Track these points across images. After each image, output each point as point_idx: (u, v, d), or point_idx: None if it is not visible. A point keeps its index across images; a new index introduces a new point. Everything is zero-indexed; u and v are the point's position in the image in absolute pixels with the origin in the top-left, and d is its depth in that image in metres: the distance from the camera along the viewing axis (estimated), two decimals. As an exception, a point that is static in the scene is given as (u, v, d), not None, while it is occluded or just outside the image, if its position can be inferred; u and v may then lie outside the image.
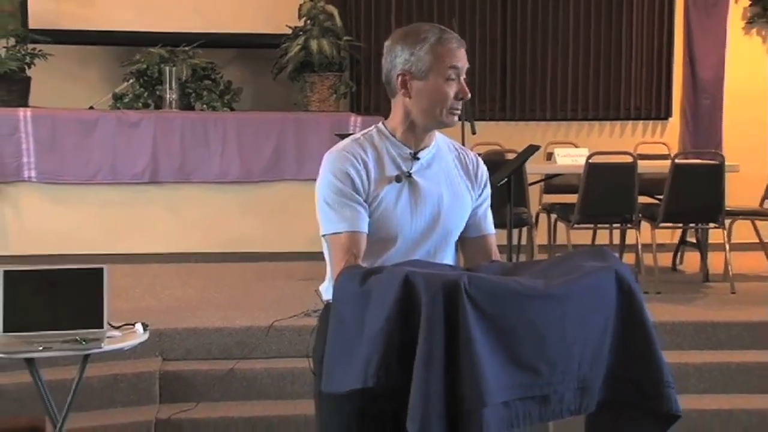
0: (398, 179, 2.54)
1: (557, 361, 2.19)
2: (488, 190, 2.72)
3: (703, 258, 6.91)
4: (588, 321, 2.24)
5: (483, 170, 2.70)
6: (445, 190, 2.59)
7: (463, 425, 2.07)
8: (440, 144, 2.66)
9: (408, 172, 2.56)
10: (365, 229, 2.49)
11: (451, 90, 2.52)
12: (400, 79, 2.54)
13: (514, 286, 2.18)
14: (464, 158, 2.69)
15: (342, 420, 2.46)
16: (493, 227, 2.74)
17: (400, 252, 2.53)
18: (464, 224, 2.66)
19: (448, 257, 2.64)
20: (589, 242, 7.49)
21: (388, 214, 2.53)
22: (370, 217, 2.51)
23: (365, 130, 2.65)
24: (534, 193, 7.08)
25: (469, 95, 2.56)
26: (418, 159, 2.58)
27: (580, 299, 2.22)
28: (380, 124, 2.64)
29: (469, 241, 2.71)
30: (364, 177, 2.51)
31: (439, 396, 2.06)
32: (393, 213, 2.53)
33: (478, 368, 2.06)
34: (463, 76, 2.54)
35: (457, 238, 2.67)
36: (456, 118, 2.56)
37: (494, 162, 6.14)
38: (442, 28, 2.57)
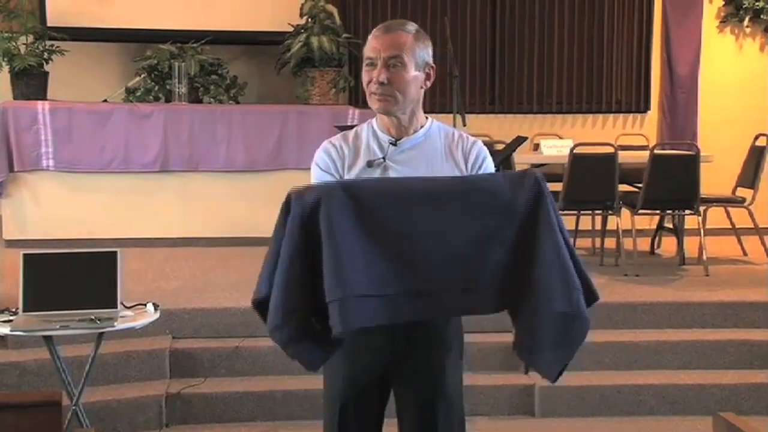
0: (369, 164, 2.56)
1: (435, 260, 2.16)
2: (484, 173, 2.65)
3: (680, 243, 6.91)
4: (475, 223, 2.19)
5: (476, 155, 2.63)
6: (420, 171, 2.57)
7: (329, 317, 2.11)
8: (432, 132, 2.64)
9: (382, 157, 2.57)
10: None
11: (366, 77, 2.57)
12: None
13: (388, 185, 2.23)
14: (456, 144, 2.64)
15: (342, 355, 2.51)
16: None
17: None
18: None
19: None
20: (572, 227, 7.49)
21: None
22: None
23: (362, 124, 2.69)
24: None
25: (371, 79, 2.53)
26: (395, 146, 2.59)
27: (465, 201, 2.19)
28: (374, 119, 2.66)
29: None
30: (339, 163, 2.58)
31: (301, 290, 2.15)
32: None
33: (338, 261, 2.08)
34: (379, 63, 2.53)
35: None
36: (377, 102, 2.55)
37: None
38: (388, 23, 2.62)
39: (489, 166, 2.65)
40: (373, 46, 2.55)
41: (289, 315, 2.18)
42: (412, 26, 2.60)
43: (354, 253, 2.11)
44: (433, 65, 2.62)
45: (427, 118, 2.68)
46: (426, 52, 2.59)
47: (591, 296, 2.34)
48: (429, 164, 2.59)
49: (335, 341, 2.21)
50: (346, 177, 2.56)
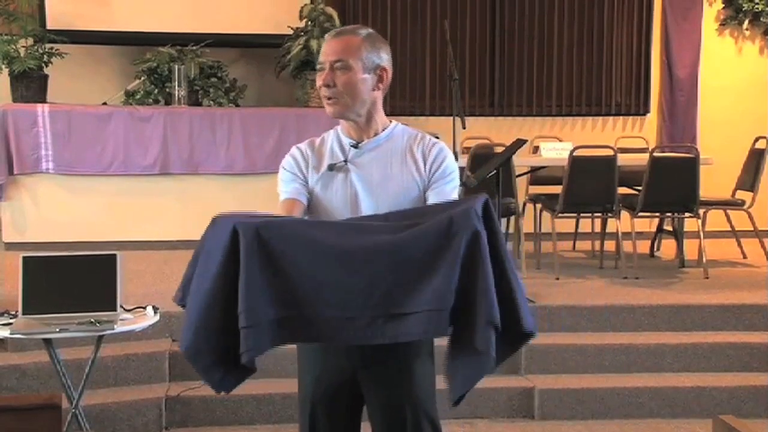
0: (331, 168, 2.63)
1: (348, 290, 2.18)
2: (442, 173, 2.63)
3: (679, 245, 6.91)
4: (399, 265, 2.20)
5: (435, 155, 2.64)
6: (380, 173, 2.62)
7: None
8: (395, 134, 2.68)
9: (344, 159, 2.63)
10: (302, 200, 2.63)
11: (318, 81, 2.63)
12: None
13: (306, 234, 2.23)
14: (417, 145, 2.66)
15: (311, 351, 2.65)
16: None
17: None
18: (409, 203, 2.60)
19: None
20: (572, 230, 7.50)
21: (323, 197, 2.63)
22: (310, 197, 2.64)
23: (329, 131, 2.77)
24: (521, 184, 7.09)
25: (320, 83, 2.60)
26: (357, 148, 2.64)
27: (391, 257, 2.20)
28: (339, 125, 2.73)
29: None
30: (303, 165, 2.67)
31: (216, 312, 2.23)
32: (327, 195, 2.63)
33: (245, 291, 2.14)
34: (327, 67, 2.58)
35: None
36: (327, 107, 2.63)
37: (484, 155, 6.15)
38: (340, 28, 2.68)
39: (449, 166, 2.65)
40: (323, 50, 2.62)
41: (212, 337, 2.25)
42: (364, 30, 2.64)
43: (258, 284, 2.15)
44: (386, 68, 2.64)
45: (390, 121, 2.71)
46: (376, 55, 2.61)
47: (520, 331, 2.27)
48: (387, 166, 2.62)
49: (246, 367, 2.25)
50: (310, 179, 2.64)
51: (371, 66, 2.60)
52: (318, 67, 2.62)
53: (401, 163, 2.63)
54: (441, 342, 2.68)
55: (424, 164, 2.63)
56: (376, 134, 2.66)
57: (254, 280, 2.14)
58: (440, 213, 2.28)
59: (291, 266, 2.17)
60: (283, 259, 2.17)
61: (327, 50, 2.60)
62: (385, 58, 2.64)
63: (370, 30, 2.66)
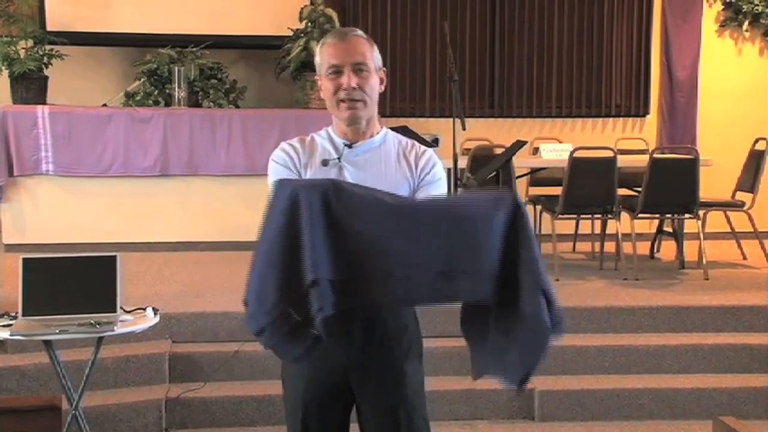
0: (325, 163, 2.62)
1: (413, 252, 2.21)
2: (431, 178, 2.67)
3: (679, 246, 6.91)
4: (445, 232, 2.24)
5: (426, 160, 2.68)
6: (373, 172, 2.62)
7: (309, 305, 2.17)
8: (388, 139, 2.70)
9: (337, 157, 2.62)
10: None
11: (333, 85, 2.58)
12: (318, 81, 2.69)
13: (374, 197, 2.25)
14: (409, 151, 2.69)
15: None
16: None
17: None
18: None
19: None
20: (572, 231, 7.51)
21: None
22: None
23: (318, 131, 2.74)
24: (521, 185, 7.09)
25: (346, 85, 2.56)
26: (350, 147, 2.64)
27: (444, 220, 2.25)
28: (329, 126, 2.72)
29: None
30: (296, 160, 2.64)
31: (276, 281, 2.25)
32: None
33: (313, 250, 2.14)
34: (347, 70, 2.56)
35: None
36: (347, 111, 2.59)
37: (484, 156, 6.16)
38: (340, 31, 2.67)
39: (438, 173, 2.69)
40: (334, 53, 2.58)
41: (269, 312, 2.22)
42: (359, 31, 2.65)
43: (331, 241, 2.17)
44: (384, 68, 2.68)
45: (382, 126, 2.73)
46: (379, 57, 2.65)
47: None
48: (381, 166, 2.64)
49: (316, 334, 2.22)
50: (303, 174, 2.62)
51: (378, 67, 2.64)
52: (331, 70, 2.58)
53: (395, 166, 2.65)
54: (429, 344, 2.68)
55: (416, 167, 2.66)
56: (371, 136, 2.67)
57: (318, 242, 2.15)
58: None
59: (354, 228, 2.18)
60: (346, 221, 2.18)
61: (340, 53, 2.56)
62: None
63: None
